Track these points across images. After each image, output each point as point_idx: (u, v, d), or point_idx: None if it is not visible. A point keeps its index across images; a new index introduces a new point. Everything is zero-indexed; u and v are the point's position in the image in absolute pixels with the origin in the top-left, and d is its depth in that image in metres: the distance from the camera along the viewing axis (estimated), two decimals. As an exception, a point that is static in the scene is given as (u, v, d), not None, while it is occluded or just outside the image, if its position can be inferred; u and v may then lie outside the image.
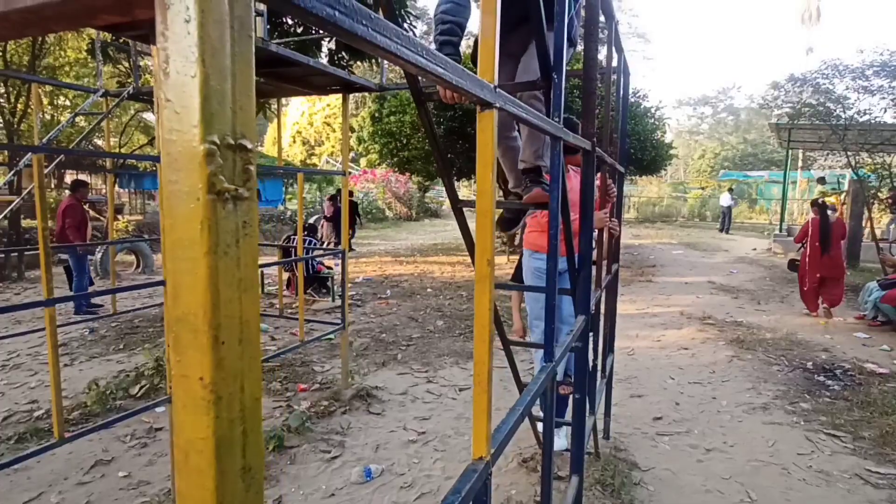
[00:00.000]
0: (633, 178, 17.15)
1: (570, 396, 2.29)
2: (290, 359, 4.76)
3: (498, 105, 0.75)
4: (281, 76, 3.34)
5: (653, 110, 12.47)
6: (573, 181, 2.51)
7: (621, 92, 2.86)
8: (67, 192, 7.33)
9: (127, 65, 7.28)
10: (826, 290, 6.46)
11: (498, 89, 0.75)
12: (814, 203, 6.92)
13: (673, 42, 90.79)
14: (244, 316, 0.31)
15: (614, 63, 2.67)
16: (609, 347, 3.18)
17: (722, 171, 33.27)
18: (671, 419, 3.65)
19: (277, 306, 6.28)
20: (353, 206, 14.07)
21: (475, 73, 0.76)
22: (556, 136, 1.18)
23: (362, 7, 0.40)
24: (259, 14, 3.47)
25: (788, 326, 5.97)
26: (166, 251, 0.29)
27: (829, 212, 6.54)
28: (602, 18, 2.16)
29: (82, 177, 13.96)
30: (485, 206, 0.77)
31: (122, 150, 11.07)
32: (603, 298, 2.86)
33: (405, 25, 6.05)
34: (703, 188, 30.06)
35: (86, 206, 6.56)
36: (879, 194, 10.77)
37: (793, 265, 7.07)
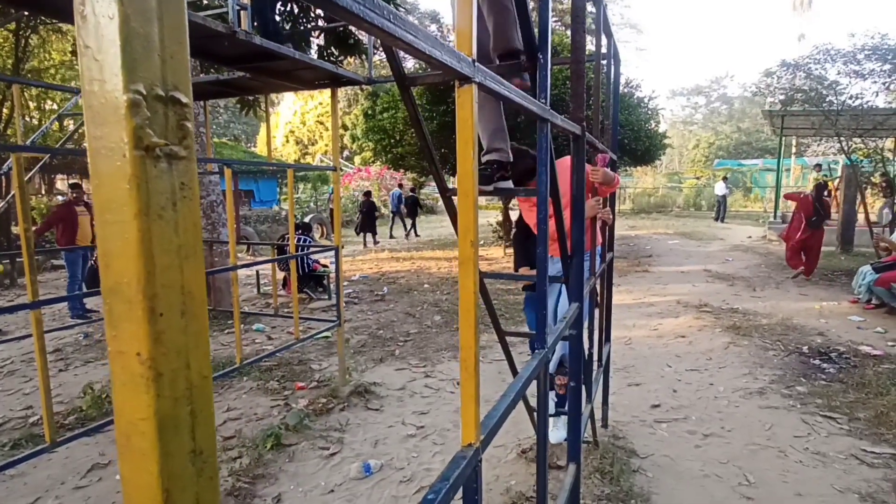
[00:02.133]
0: (628, 168, 17.11)
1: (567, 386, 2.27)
2: (288, 357, 4.73)
3: (477, 80, 0.72)
4: (267, 71, 3.30)
5: (646, 100, 12.44)
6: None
7: (612, 78, 2.84)
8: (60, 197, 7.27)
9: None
10: (807, 257, 7.73)
11: (477, 63, 0.72)
12: (816, 186, 8.05)
13: (666, 32, 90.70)
14: (186, 286, 0.29)
15: (603, 49, 2.64)
16: (605, 336, 3.17)
17: (716, 160, 33.30)
18: (669, 406, 3.65)
19: (273, 306, 6.27)
20: (416, 201, 15.78)
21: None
22: (544, 119, 1.16)
23: (316, -40, 0.38)
24: (243, 7, 3.42)
25: (784, 312, 5.97)
26: (96, 215, 0.27)
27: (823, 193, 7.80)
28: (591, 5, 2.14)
29: (74, 180, 13.87)
30: (467, 187, 0.74)
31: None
32: (598, 287, 2.85)
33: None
34: (697, 178, 30.09)
35: (80, 209, 6.49)
36: (873, 179, 10.78)
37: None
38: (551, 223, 1.39)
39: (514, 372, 2.53)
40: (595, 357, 2.85)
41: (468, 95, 0.72)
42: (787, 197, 8.89)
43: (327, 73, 3.36)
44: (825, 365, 4.31)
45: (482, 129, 1.79)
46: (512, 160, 1.86)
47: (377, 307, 6.76)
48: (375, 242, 13.39)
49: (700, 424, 3.37)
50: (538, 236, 1.24)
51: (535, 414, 2.64)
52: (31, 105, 10.48)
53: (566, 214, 1.49)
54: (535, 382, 1.24)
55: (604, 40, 2.55)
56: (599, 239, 2.72)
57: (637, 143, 11.13)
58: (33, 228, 6.13)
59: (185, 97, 0.28)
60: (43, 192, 14.09)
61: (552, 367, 3.00)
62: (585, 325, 2.18)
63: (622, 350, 4.82)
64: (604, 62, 2.76)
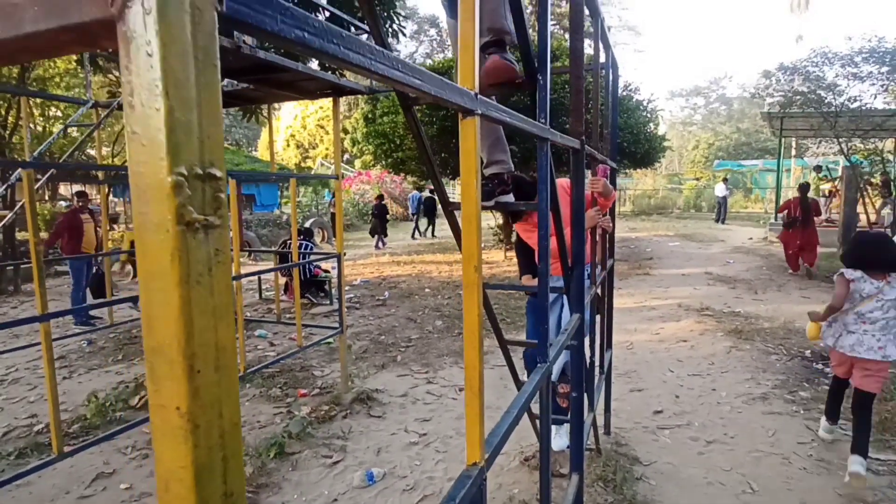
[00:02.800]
0: (628, 171, 17.17)
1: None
2: (290, 364, 4.76)
3: (480, 112, 0.75)
4: (271, 82, 3.33)
5: (645, 103, 12.48)
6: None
7: (610, 88, 2.87)
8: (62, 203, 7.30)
9: (117, 74, 7.26)
10: (805, 254, 8.38)
11: (479, 96, 0.75)
12: (799, 187, 8.85)
13: (664, 34, 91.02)
14: (220, 343, 0.31)
15: (602, 59, 2.68)
16: (607, 343, 3.19)
17: (716, 161, 33.35)
18: (671, 412, 3.66)
19: (275, 312, 6.29)
20: (433, 202, 16.02)
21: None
22: (543, 138, 1.19)
23: (332, 27, 0.40)
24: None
25: (786, 315, 5.99)
26: (140, 282, 0.30)
27: (813, 194, 9.05)
28: (588, 15, 2.16)
29: (77, 187, 13.93)
30: (470, 212, 0.77)
31: (115, 159, 11.03)
32: (599, 293, 2.87)
33: (393, 27, 6.04)
34: (697, 179, 30.13)
35: (85, 216, 6.53)
36: (872, 180, 10.80)
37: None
38: (553, 241, 1.42)
39: (516, 379, 2.56)
40: (597, 364, 2.88)
41: (471, 127, 0.75)
42: (782, 210, 9.69)
43: (329, 83, 3.39)
44: (828, 369, 4.32)
45: (481, 142, 1.80)
46: (512, 169, 1.89)
47: (378, 312, 6.79)
48: (383, 244, 13.98)
49: (703, 431, 3.38)
50: (539, 252, 1.27)
51: (537, 422, 2.66)
52: (36, 112, 10.53)
53: (567, 232, 1.52)
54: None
55: (601, 49, 2.58)
56: (599, 252, 2.74)
57: (637, 145, 11.16)
58: (42, 238, 6.21)
59: (220, 171, 0.31)
60: (46, 198, 14.14)
61: (555, 375, 3.02)
62: (587, 334, 2.20)
63: (624, 355, 4.83)
64: (603, 71, 2.80)
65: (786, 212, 8.69)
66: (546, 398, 1.36)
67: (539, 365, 1.22)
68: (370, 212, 15.46)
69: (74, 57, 8.87)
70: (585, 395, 2.28)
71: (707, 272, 8.92)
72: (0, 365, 5.00)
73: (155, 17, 0.27)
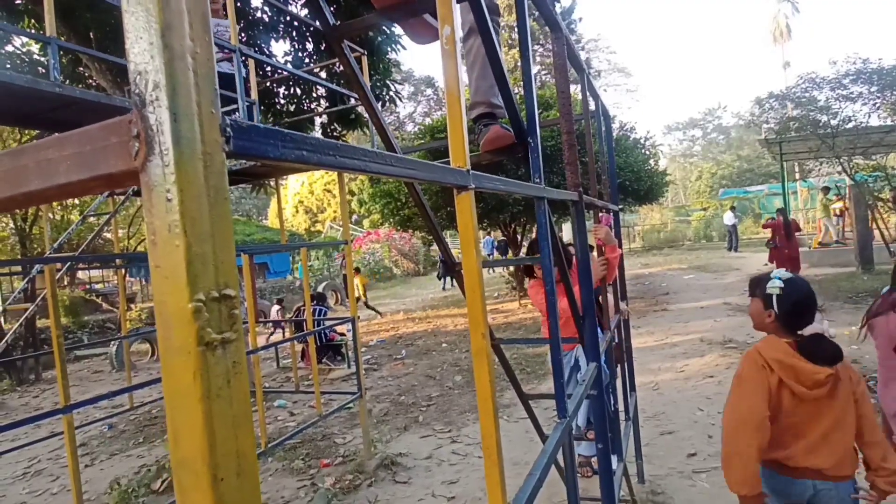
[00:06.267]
0: (634, 208, 17.30)
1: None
2: (311, 433, 4.68)
3: (473, 186, 0.79)
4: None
5: (642, 141, 12.70)
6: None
7: (604, 135, 2.95)
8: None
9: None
10: (791, 264, 9.27)
11: (471, 171, 0.80)
12: (778, 210, 10.48)
13: (653, 71, 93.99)
14: (240, 450, 0.34)
15: (592, 108, 2.78)
16: (630, 386, 3.12)
17: (721, 189, 33.42)
18: (706, 454, 3.52)
19: (293, 380, 6.25)
20: (507, 244, 20.73)
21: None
22: (540, 197, 1.23)
23: (327, 141, 0.45)
24: (252, 103, 3.65)
25: (812, 341, 5.82)
26: (167, 400, 0.32)
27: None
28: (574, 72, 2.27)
29: (95, 272, 14.22)
30: (473, 283, 0.80)
31: (131, 240, 11.32)
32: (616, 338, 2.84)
33: (391, 94, 6.31)
34: (704, 209, 30.13)
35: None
36: (882, 196, 10.74)
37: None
38: (564, 303, 1.43)
39: (541, 433, 2.50)
40: (621, 410, 2.81)
41: (467, 201, 0.79)
42: (765, 226, 11.16)
43: (333, 154, 3.53)
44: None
45: (481, 80, 1.62)
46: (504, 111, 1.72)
47: (397, 371, 6.72)
48: (452, 285, 15.86)
49: (740, 471, 3.23)
50: (548, 308, 1.28)
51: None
52: (54, 202, 10.93)
53: (576, 290, 1.53)
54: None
55: (591, 101, 2.68)
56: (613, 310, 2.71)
57: (639, 183, 11.27)
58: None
59: (234, 291, 0.34)
60: (65, 283, 14.45)
61: (581, 421, 2.96)
62: (607, 381, 2.17)
63: (650, 396, 4.71)
64: (594, 119, 2.89)
65: (771, 230, 10.11)
66: (570, 455, 1.34)
67: (558, 422, 1.21)
68: (438, 259, 17.94)
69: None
70: (612, 444, 2.22)
71: (725, 303, 8.77)
72: (22, 457, 4.97)
73: (173, 168, 0.31)
